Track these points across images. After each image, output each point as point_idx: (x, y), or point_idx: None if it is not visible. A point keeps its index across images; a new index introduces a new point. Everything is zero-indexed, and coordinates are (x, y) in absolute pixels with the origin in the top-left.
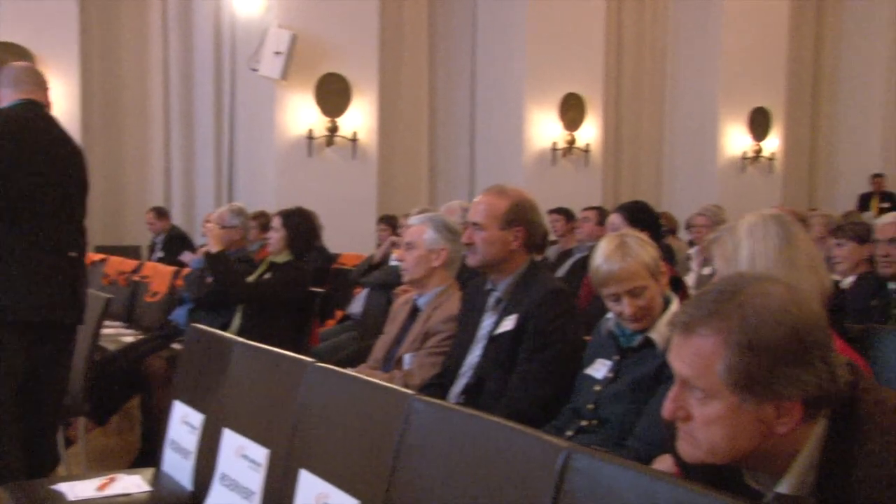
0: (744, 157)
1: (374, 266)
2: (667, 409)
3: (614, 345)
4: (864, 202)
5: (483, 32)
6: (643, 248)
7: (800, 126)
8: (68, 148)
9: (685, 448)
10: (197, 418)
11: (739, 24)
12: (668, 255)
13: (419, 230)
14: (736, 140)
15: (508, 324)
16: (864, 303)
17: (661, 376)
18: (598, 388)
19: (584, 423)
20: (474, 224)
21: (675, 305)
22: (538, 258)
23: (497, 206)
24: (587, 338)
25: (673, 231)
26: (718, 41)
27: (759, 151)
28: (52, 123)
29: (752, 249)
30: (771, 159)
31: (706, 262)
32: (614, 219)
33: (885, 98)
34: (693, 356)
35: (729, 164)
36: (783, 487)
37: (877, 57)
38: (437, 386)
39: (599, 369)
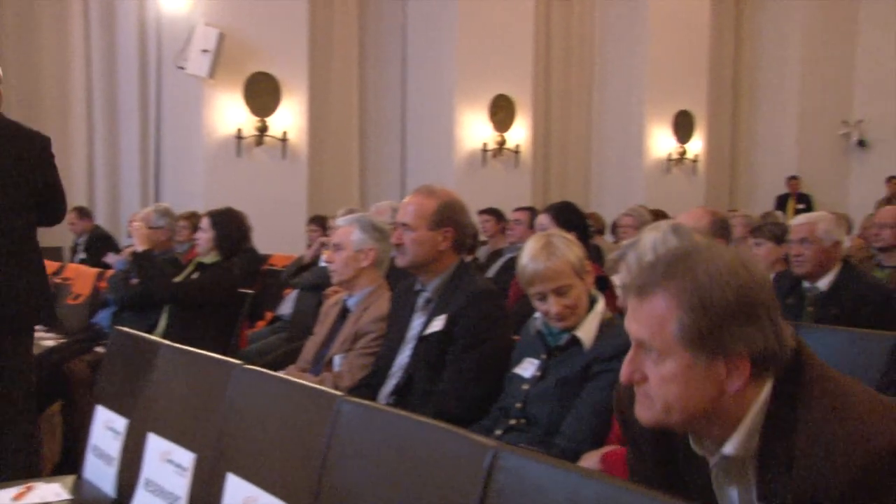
0: (669, 159)
1: (304, 267)
2: (624, 372)
3: (542, 344)
4: (781, 203)
5: (413, 33)
6: (569, 248)
7: (721, 129)
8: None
9: (642, 411)
10: (121, 423)
11: (663, 28)
12: (596, 255)
13: (346, 231)
14: (661, 142)
15: (437, 324)
16: (780, 301)
17: (588, 374)
18: (526, 386)
19: (512, 421)
20: (403, 225)
21: (600, 305)
22: (468, 258)
23: (426, 206)
24: (516, 337)
25: (600, 231)
26: (644, 45)
27: (683, 153)
28: None
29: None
30: (694, 161)
31: None
32: (542, 219)
33: (799, 102)
34: (648, 317)
35: (655, 165)
36: (728, 448)
37: (790, 62)
38: (367, 387)
39: (527, 368)
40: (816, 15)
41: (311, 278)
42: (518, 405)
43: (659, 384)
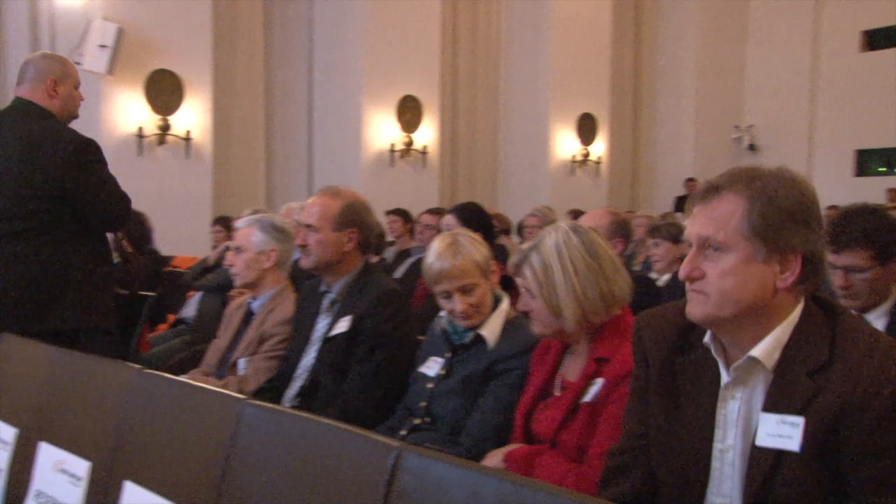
0: (573, 161)
1: (209, 269)
2: (683, 269)
3: (447, 343)
4: (679, 204)
5: (320, 32)
6: (474, 247)
7: (623, 132)
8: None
9: (694, 307)
10: (9, 433)
11: (566, 33)
12: (502, 255)
13: (246, 233)
14: (565, 144)
15: (343, 325)
16: (679, 298)
17: (492, 373)
18: (430, 385)
19: (417, 420)
20: (308, 226)
21: (504, 303)
22: (374, 259)
23: (330, 207)
24: (422, 338)
25: (506, 231)
26: (547, 49)
27: (586, 155)
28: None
29: (562, 270)
30: (598, 163)
31: None
32: (448, 220)
33: (694, 107)
34: (715, 215)
35: (559, 166)
36: (757, 351)
37: (686, 69)
38: (272, 390)
39: (432, 367)
40: (709, 24)
41: (214, 280)
42: (422, 404)
43: (719, 277)
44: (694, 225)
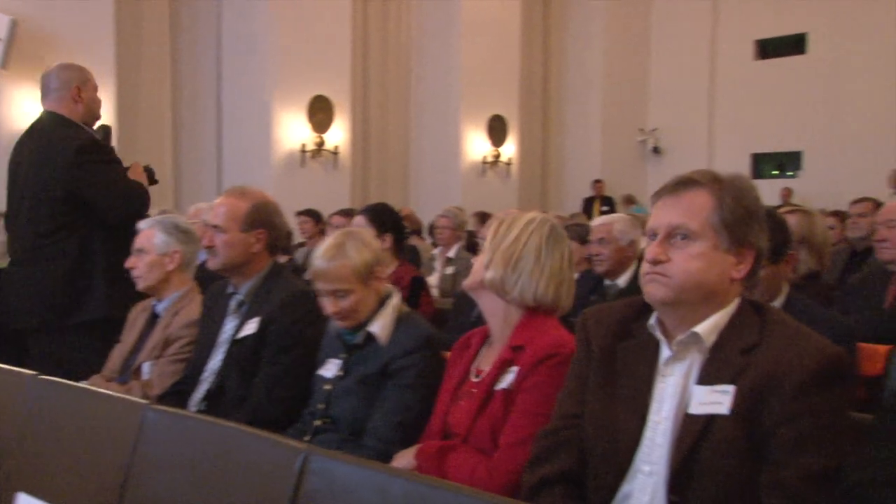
0: (484, 162)
1: None
2: (651, 253)
3: (342, 343)
4: (587, 205)
5: (229, 32)
6: (360, 252)
7: (533, 133)
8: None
9: (655, 289)
10: None
11: (476, 35)
12: (413, 255)
13: (148, 234)
14: (476, 145)
15: (251, 327)
16: (585, 298)
17: (388, 371)
18: (328, 387)
19: (317, 423)
20: (214, 226)
21: (394, 300)
22: (283, 260)
23: (238, 207)
24: None
25: (417, 232)
26: (458, 50)
27: (497, 157)
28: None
29: (518, 236)
30: (508, 164)
31: (449, 261)
32: (359, 221)
33: (601, 110)
34: (687, 205)
35: (470, 167)
36: (700, 328)
37: (593, 72)
38: (177, 393)
39: (330, 369)
40: (614, 29)
41: None
42: (321, 406)
43: (685, 261)
44: (663, 215)
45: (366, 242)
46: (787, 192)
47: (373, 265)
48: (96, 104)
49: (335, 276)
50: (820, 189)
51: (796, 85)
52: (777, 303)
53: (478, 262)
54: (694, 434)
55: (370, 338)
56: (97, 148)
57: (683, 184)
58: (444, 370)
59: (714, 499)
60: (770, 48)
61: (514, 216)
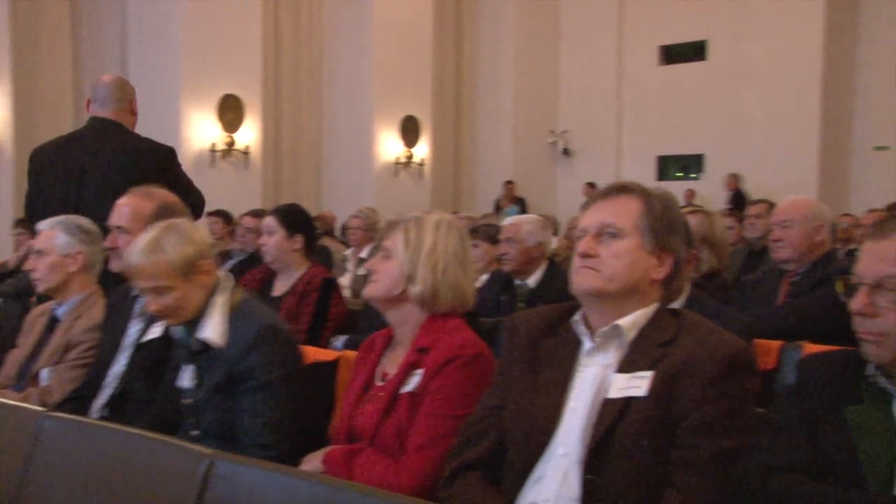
0: (397, 163)
1: (9, 273)
2: (582, 247)
3: (188, 351)
4: (498, 206)
5: (135, 32)
6: (178, 247)
7: (446, 134)
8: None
9: (584, 280)
10: None
11: (388, 35)
12: (325, 256)
13: (49, 235)
14: (389, 146)
15: (156, 331)
16: (495, 298)
17: (235, 378)
18: (188, 400)
19: (194, 433)
20: (118, 227)
21: (223, 296)
22: None
23: (142, 208)
24: None
25: (330, 232)
26: (370, 50)
27: (410, 157)
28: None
29: (434, 243)
30: (421, 165)
31: (362, 262)
32: (269, 221)
33: (512, 111)
34: (618, 207)
35: (383, 168)
36: (624, 321)
37: (505, 74)
38: (79, 400)
39: (185, 378)
40: (525, 31)
41: (15, 285)
42: (191, 421)
43: (613, 256)
44: (595, 215)
45: (186, 236)
46: (691, 194)
47: (194, 259)
48: (137, 115)
49: (152, 272)
50: (721, 191)
51: (698, 90)
52: (679, 301)
53: (385, 272)
54: (612, 415)
55: (206, 345)
56: (175, 153)
57: (617, 190)
58: (297, 352)
59: (628, 477)
60: (673, 54)
61: (416, 221)
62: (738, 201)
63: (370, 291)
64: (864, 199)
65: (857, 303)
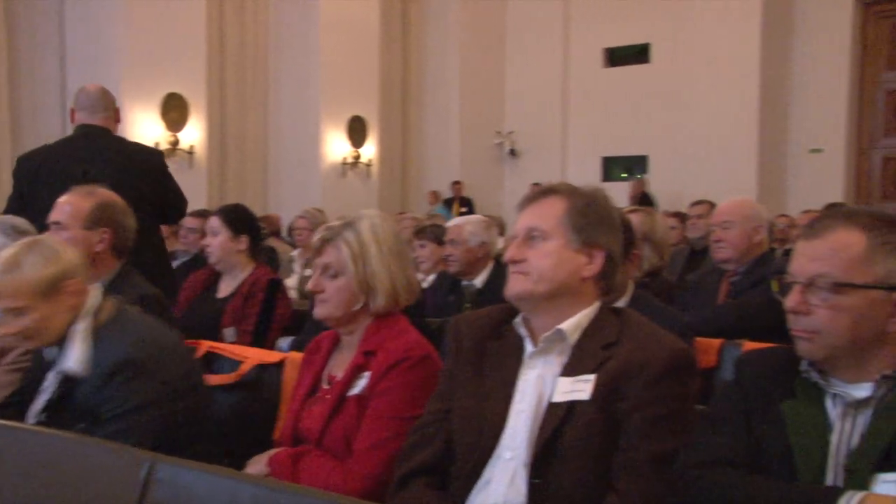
0: (344, 163)
1: None
2: (509, 253)
3: None
4: (447, 206)
5: (73, 26)
6: (39, 266)
7: (393, 135)
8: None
9: (515, 284)
10: None
11: (335, 34)
12: (271, 256)
13: None
14: (336, 146)
15: None
16: (442, 299)
17: (93, 412)
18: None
19: None
20: (56, 223)
21: (83, 323)
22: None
23: (81, 205)
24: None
25: (276, 233)
26: (317, 50)
27: (357, 157)
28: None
29: (378, 247)
30: (368, 165)
31: (308, 263)
32: (213, 222)
33: (459, 112)
34: (544, 209)
35: (331, 168)
36: (565, 325)
37: (451, 74)
38: (14, 405)
39: (39, 402)
40: (471, 31)
41: None
42: None
43: (539, 258)
44: (523, 220)
45: (50, 254)
46: (639, 184)
47: (57, 280)
48: None
49: (9, 291)
50: (664, 191)
51: (642, 92)
52: (623, 301)
53: (336, 291)
54: (557, 419)
55: (69, 379)
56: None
57: (543, 193)
58: (170, 372)
59: (573, 479)
60: (617, 56)
61: (352, 231)
62: (644, 205)
63: (324, 312)
64: (800, 201)
65: (790, 301)
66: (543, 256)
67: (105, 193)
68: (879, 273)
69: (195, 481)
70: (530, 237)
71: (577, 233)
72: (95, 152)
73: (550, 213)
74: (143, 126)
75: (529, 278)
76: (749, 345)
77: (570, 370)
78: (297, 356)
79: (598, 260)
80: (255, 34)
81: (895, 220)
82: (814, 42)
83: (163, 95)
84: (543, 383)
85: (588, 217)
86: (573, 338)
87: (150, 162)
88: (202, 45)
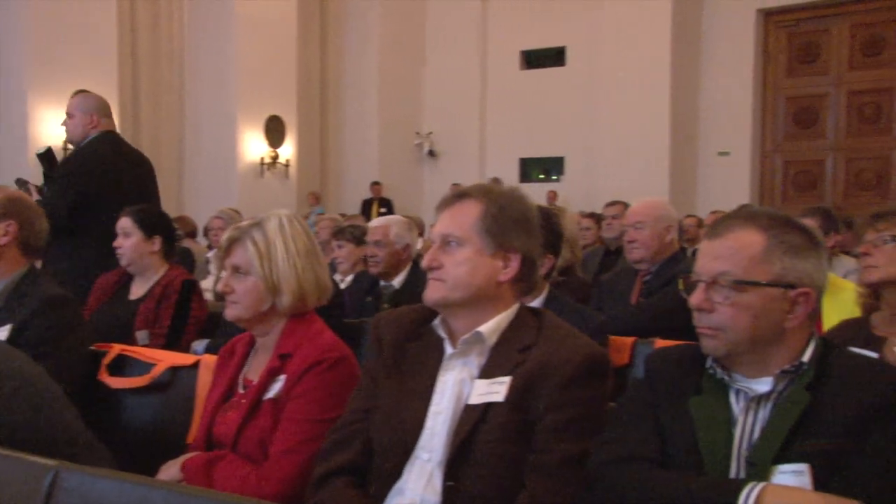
0: (262, 163)
1: None
2: (426, 260)
3: None
4: (366, 207)
5: None
6: None
7: (311, 135)
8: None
9: (433, 291)
10: None
11: (251, 33)
12: (187, 258)
13: None
14: (254, 146)
15: (2, 334)
16: (361, 299)
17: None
18: None
19: None
20: None
21: None
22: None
23: None
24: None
25: (192, 234)
26: (233, 49)
27: (275, 157)
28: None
29: (285, 247)
30: (286, 165)
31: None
32: (124, 223)
33: (378, 113)
34: (458, 215)
35: (248, 168)
36: (484, 328)
37: (370, 74)
38: None
39: None
40: (390, 32)
41: None
42: None
43: (454, 265)
44: (439, 226)
45: None
46: (553, 195)
47: None
48: None
49: None
50: (580, 192)
51: (558, 95)
52: (538, 300)
53: (244, 291)
54: (472, 421)
55: None
56: None
57: (457, 197)
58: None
59: (487, 482)
60: (534, 59)
61: (258, 229)
62: None
63: (234, 314)
64: (710, 202)
65: (695, 299)
66: (459, 264)
67: (12, 190)
68: (777, 271)
69: (104, 489)
70: (446, 243)
71: (492, 238)
72: (132, 158)
73: (464, 218)
74: (51, 126)
75: (446, 285)
76: (661, 343)
77: (487, 372)
78: (211, 359)
79: (515, 263)
80: (169, 31)
81: (792, 222)
82: (720, 49)
83: (72, 94)
84: (462, 385)
85: (502, 221)
86: (492, 340)
87: (151, 169)
88: (113, 42)
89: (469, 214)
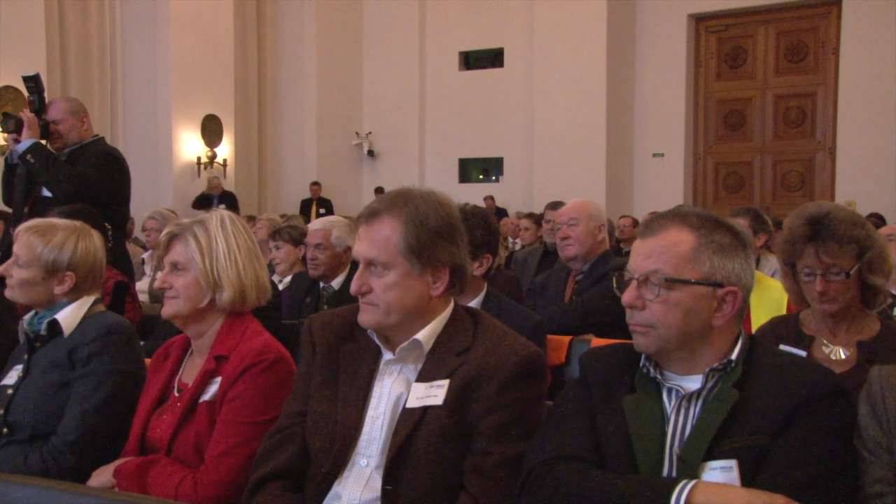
0: (198, 163)
1: None
2: (354, 285)
3: (26, 346)
4: (305, 207)
5: None
6: None
7: (249, 134)
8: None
9: (366, 316)
10: None
11: (186, 31)
12: (123, 259)
13: None
14: (190, 145)
15: None
16: (300, 300)
17: (74, 359)
18: (10, 391)
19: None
20: None
21: (84, 301)
22: None
23: None
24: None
25: (127, 235)
26: (167, 47)
27: (212, 157)
28: None
29: (227, 244)
30: (224, 165)
31: (159, 265)
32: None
33: (316, 112)
34: (376, 238)
35: (184, 168)
36: (420, 335)
37: (308, 74)
38: None
39: (12, 376)
40: (327, 31)
41: None
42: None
43: (383, 291)
44: (360, 246)
45: None
46: (491, 201)
47: None
48: None
49: None
50: (519, 192)
51: (496, 96)
52: (476, 300)
53: (183, 287)
54: (410, 425)
55: (54, 327)
56: None
57: (374, 213)
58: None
59: (426, 485)
60: (473, 60)
61: (200, 225)
62: (499, 217)
63: (172, 310)
64: (645, 203)
65: (627, 296)
66: (388, 288)
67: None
68: (706, 270)
69: (32, 497)
70: (372, 265)
71: (417, 258)
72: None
73: (385, 241)
74: None
75: (378, 310)
76: (597, 341)
77: (425, 376)
78: (146, 362)
79: (444, 276)
80: (100, 28)
81: (721, 222)
82: (654, 53)
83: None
84: (400, 390)
85: (425, 238)
86: (428, 345)
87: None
88: (41, 38)
89: (389, 236)
